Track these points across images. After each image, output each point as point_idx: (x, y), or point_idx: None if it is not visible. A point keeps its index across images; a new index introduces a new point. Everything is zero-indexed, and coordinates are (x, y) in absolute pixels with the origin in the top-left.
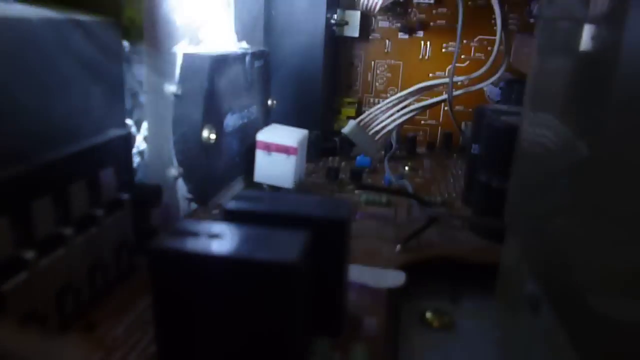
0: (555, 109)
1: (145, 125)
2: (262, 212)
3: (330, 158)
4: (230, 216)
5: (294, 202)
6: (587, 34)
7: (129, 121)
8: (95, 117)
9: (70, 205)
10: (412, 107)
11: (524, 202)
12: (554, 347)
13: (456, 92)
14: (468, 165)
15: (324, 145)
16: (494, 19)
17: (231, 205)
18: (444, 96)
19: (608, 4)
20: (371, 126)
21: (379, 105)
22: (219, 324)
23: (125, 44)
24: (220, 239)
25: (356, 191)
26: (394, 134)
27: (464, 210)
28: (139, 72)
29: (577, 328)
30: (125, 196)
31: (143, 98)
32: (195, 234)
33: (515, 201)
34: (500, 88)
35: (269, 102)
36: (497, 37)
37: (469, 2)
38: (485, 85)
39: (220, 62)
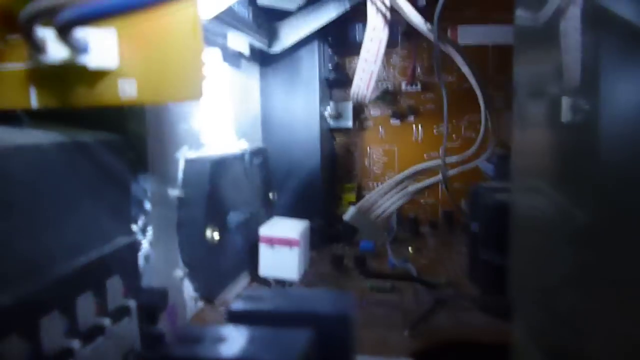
0: (538, 179)
1: (150, 230)
2: (265, 312)
3: (335, 245)
4: (234, 317)
5: (297, 299)
6: (560, 105)
7: (134, 227)
8: (103, 229)
9: (77, 317)
10: (409, 189)
11: (525, 277)
12: None
13: (451, 172)
14: (469, 244)
15: (328, 233)
16: None
17: (235, 306)
18: (439, 177)
19: (580, 77)
20: (371, 210)
21: (377, 190)
22: None
23: (131, 156)
24: (225, 343)
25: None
26: (394, 216)
27: (471, 289)
28: (144, 179)
29: None
30: (132, 302)
31: (148, 204)
32: (200, 340)
33: (517, 277)
34: (493, 164)
35: (270, 195)
36: (482, 118)
37: (455, 87)
38: (479, 163)
39: (220, 165)
